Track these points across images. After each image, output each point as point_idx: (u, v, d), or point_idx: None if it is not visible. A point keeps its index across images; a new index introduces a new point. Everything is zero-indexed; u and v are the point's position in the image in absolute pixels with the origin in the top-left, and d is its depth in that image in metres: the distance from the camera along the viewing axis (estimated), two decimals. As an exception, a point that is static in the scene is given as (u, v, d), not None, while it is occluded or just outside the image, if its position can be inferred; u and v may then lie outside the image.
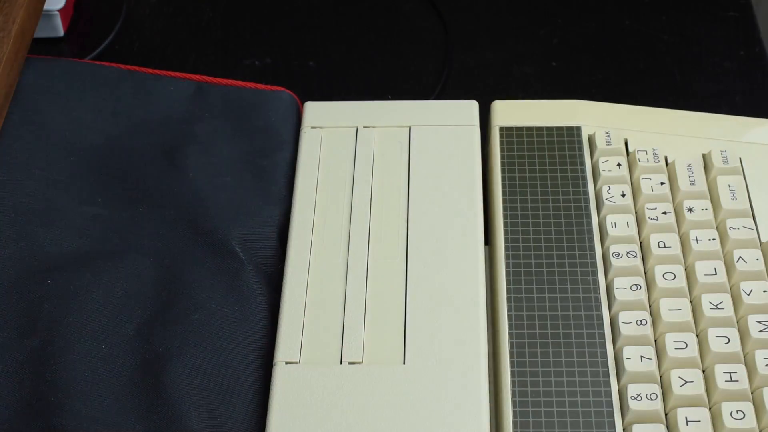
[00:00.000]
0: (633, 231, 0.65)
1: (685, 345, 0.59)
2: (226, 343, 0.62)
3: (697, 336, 0.60)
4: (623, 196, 0.67)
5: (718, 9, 0.88)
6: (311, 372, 0.60)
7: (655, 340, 0.60)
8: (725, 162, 0.68)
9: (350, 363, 0.60)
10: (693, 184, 0.67)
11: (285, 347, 0.61)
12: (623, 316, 0.61)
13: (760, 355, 0.59)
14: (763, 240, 0.65)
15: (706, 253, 0.64)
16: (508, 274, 0.64)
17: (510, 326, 0.61)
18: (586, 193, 0.67)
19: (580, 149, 0.70)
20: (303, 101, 0.74)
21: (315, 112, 0.72)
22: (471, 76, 0.84)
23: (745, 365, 0.59)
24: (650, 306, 0.62)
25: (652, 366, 0.59)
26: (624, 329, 0.60)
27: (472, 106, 0.72)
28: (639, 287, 0.62)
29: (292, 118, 0.74)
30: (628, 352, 0.59)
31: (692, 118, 0.72)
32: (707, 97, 0.82)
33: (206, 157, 0.71)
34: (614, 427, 0.57)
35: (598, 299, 0.62)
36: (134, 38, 0.87)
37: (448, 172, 0.68)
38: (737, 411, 0.56)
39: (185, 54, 0.86)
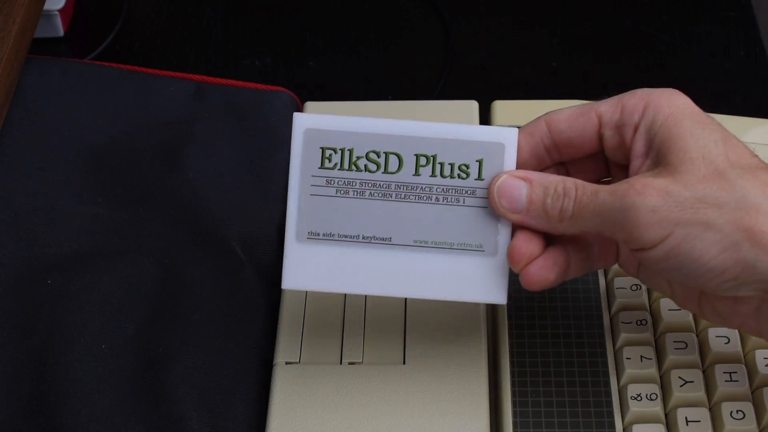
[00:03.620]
0: (633, 231, 0.65)
1: (685, 345, 0.59)
2: (226, 343, 0.62)
3: (697, 336, 0.60)
4: (623, 196, 0.67)
5: (718, 9, 0.88)
6: (311, 372, 0.60)
7: (655, 340, 0.60)
8: (725, 162, 0.68)
9: (350, 363, 0.60)
10: (693, 184, 0.67)
11: (285, 347, 0.61)
12: (623, 316, 0.61)
13: (760, 355, 0.59)
14: (763, 240, 0.65)
15: (706, 253, 0.64)
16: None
17: (510, 326, 0.61)
18: (586, 193, 0.67)
19: (580, 149, 0.69)
20: (303, 101, 0.74)
21: (315, 112, 0.72)
22: (471, 76, 0.84)
23: (745, 365, 0.59)
24: (650, 306, 0.62)
25: (652, 366, 0.59)
26: (624, 329, 0.60)
27: (472, 106, 0.72)
28: (639, 287, 0.62)
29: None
30: (628, 352, 0.59)
31: (692, 118, 0.71)
32: (707, 97, 0.82)
33: (206, 157, 0.71)
34: (614, 427, 0.57)
35: (598, 299, 0.62)
36: (134, 38, 0.87)
37: (448, 172, 0.68)
38: (737, 411, 0.56)
39: (185, 54, 0.86)
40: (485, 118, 0.72)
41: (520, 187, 0.54)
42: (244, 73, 0.84)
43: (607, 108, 0.55)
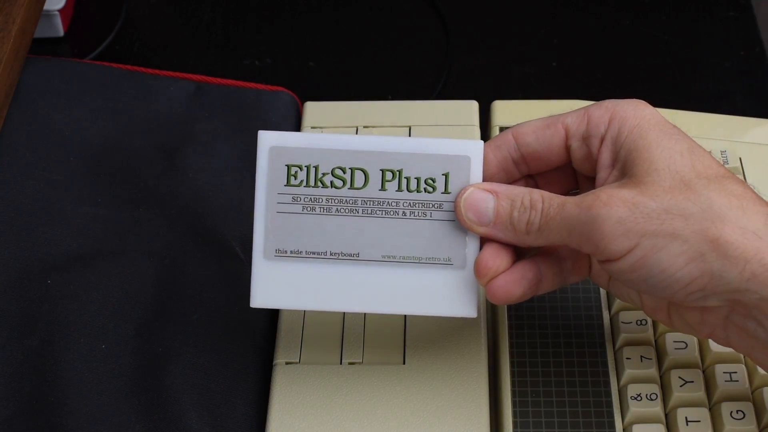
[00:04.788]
0: (633, 231, 0.65)
1: (685, 345, 0.59)
2: (226, 343, 0.62)
3: (697, 336, 0.60)
4: (623, 196, 0.67)
5: (718, 9, 0.88)
6: (311, 372, 0.60)
7: (655, 340, 0.60)
8: (725, 162, 0.68)
9: (350, 363, 0.60)
10: (693, 184, 0.67)
11: (285, 348, 0.61)
12: (623, 316, 0.61)
13: (760, 355, 0.59)
14: (763, 240, 0.65)
15: (706, 253, 0.64)
16: (508, 274, 0.63)
17: (510, 326, 0.61)
18: (586, 193, 0.67)
19: (580, 149, 0.69)
20: (303, 101, 0.74)
21: (315, 112, 0.72)
22: (471, 76, 0.84)
23: (745, 365, 0.59)
24: (650, 306, 0.62)
25: (652, 366, 0.59)
26: (624, 329, 0.60)
27: (472, 106, 0.72)
28: (639, 287, 0.62)
29: (292, 118, 0.74)
30: (628, 352, 0.59)
31: (692, 118, 0.72)
32: (707, 97, 0.82)
33: (206, 157, 0.71)
34: (614, 427, 0.57)
35: (598, 299, 0.62)
36: (134, 38, 0.87)
37: (448, 172, 0.68)
38: (737, 411, 0.56)
39: (185, 54, 0.86)
40: (485, 118, 0.73)
41: (487, 200, 0.54)
42: (244, 73, 0.84)
43: (574, 120, 0.55)
